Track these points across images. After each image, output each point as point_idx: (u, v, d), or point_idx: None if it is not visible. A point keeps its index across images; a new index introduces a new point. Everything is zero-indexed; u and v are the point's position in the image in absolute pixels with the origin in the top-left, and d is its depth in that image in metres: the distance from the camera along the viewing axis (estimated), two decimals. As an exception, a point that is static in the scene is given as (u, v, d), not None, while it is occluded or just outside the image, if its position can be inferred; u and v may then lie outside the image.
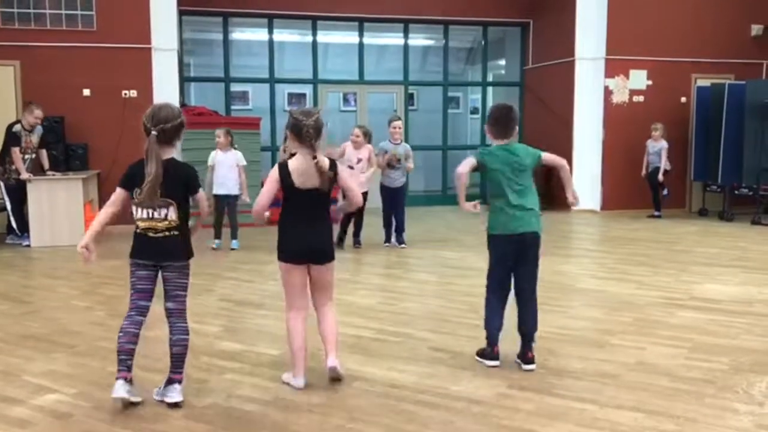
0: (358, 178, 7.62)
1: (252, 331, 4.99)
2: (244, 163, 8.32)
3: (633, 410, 3.49)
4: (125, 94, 9.77)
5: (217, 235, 8.26)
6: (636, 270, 6.97)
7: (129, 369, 3.52)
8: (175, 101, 10.07)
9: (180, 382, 3.61)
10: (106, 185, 9.71)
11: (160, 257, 3.59)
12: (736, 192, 10.88)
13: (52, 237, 8.38)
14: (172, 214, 3.59)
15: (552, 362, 4.21)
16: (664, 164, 10.68)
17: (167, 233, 3.58)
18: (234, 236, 8.30)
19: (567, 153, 11.60)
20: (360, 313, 5.41)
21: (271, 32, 12.27)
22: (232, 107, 12.41)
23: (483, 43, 13.51)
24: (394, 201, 8.32)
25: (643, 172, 10.91)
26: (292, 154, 3.81)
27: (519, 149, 4.25)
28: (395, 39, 13.14)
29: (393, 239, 8.43)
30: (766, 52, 11.94)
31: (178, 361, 3.61)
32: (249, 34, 13.25)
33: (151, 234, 3.57)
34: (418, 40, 13.94)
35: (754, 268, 7.03)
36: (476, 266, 7.12)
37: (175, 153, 3.64)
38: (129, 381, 3.49)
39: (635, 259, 7.58)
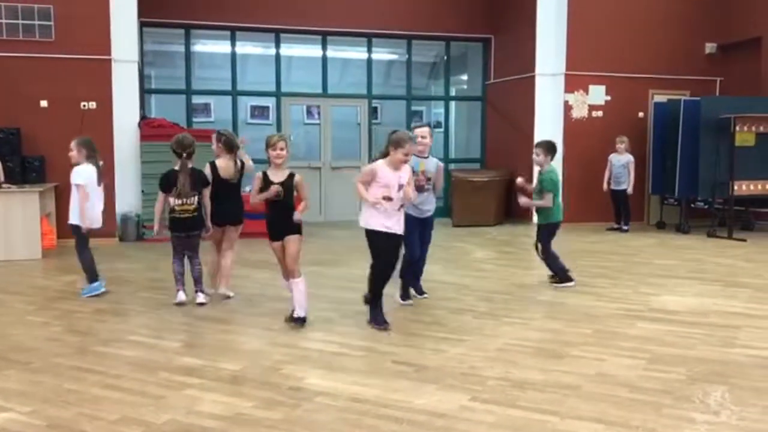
0: (396, 214, 5.27)
1: (212, 346, 4.92)
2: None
3: (593, 421, 3.53)
4: (84, 105, 9.61)
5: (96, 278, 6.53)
6: (595, 282, 7.06)
7: (183, 284, 6.09)
8: (134, 113, 10.00)
9: (201, 291, 6.09)
10: (63, 198, 9.50)
11: (189, 230, 6.03)
12: (693, 205, 11.13)
13: (7, 251, 8.18)
14: (195, 201, 5.99)
15: (513, 374, 4.24)
16: (633, 177, 10.86)
17: (192, 214, 5.98)
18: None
19: (527, 167, 11.74)
20: (323, 327, 5.38)
21: (233, 45, 12.21)
22: (194, 119, 12.29)
23: (446, 58, 13.63)
24: (423, 236, 6.19)
25: (605, 186, 11.06)
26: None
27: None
28: (359, 53, 13.19)
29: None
30: (719, 70, 12.28)
31: (197, 281, 6.11)
32: (211, 46, 13.16)
33: (183, 215, 5.96)
34: (382, 54, 14.00)
35: (710, 280, 7.18)
36: (440, 279, 7.16)
37: (191, 163, 6.03)
38: (184, 291, 6.07)
39: (594, 271, 7.68)
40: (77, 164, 6.31)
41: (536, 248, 6.97)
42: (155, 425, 3.48)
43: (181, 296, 6.03)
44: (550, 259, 6.87)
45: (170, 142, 6.13)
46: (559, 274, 6.82)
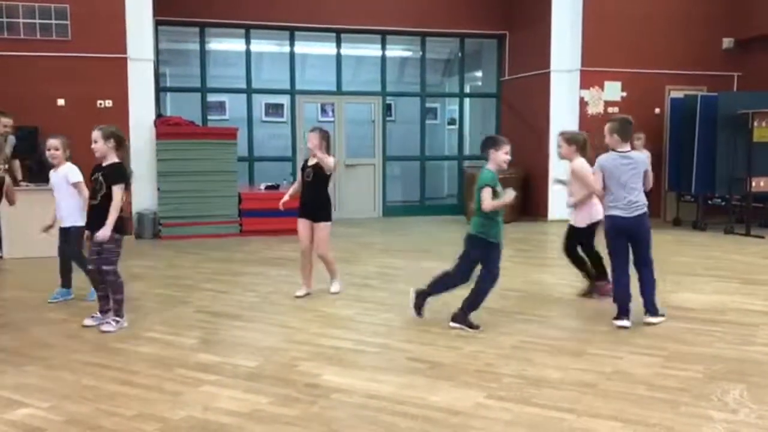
0: None
1: (229, 342, 4.95)
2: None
3: (610, 419, 3.51)
4: (100, 104, 9.68)
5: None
6: (612, 279, 7.01)
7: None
8: (150, 111, 10.08)
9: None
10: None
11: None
12: (709, 202, 11.03)
13: (25, 249, 8.25)
14: None
15: (530, 372, 4.23)
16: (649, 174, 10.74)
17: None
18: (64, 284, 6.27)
19: (543, 163, 11.70)
20: (338, 324, 5.40)
21: (248, 43, 12.24)
22: (209, 117, 12.35)
23: (460, 54, 13.60)
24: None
25: None
26: None
27: None
28: (373, 50, 13.19)
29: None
30: (736, 65, 12.17)
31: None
32: (226, 45, 13.21)
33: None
34: (396, 51, 14.00)
35: (727, 277, 7.12)
36: (454, 276, 7.13)
37: None
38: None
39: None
40: (59, 164, 5.99)
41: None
42: (172, 421, 3.50)
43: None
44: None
45: (112, 129, 5.31)
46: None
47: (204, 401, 3.77)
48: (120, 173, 5.20)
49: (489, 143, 5.17)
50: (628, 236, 5.27)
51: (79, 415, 3.57)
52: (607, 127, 5.46)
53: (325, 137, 6.12)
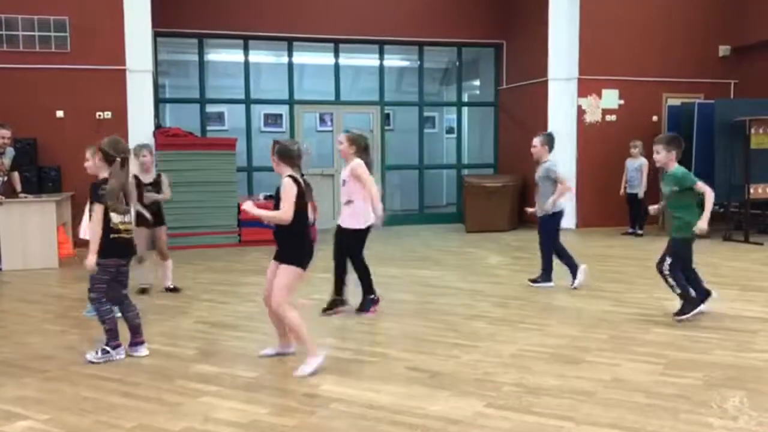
0: None
1: (228, 353, 4.95)
2: None
3: (609, 427, 3.51)
4: (99, 115, 9.71)
5: None
6: (611, 287, 7.03)
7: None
8: (149, 122, 10.09)
9: (142, 341, 4.89)
10: (81, 207, 9.60)
11: (130, 255, 4.96)
12: (708, 209, 11.02)
13: (25, 260, 8.27)
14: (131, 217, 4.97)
15: (529, 380, 4.23)
16: (645, 181, 10.77)
17: (131, 234, 4.92)
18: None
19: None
20: (337, 334, 5.40)
21: (246, 53, 12.29)
22: (208, 128, 12.37)
23: (458, 63, 13.65)
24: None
25: (621, 191, 11.01)
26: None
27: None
28: (371, 60, 13.23)
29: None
30: (733, 72, 12.22)
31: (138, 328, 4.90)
32: (225, 56, 13.25)
33: (129, 235, 4.84)
34: (394, 61, 14.05)
35: (726, 284, 7.12)
36: (453, 285, 7.16)
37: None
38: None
39: (610, 276, 7.65)
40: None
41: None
42: (172, 432, 3.50)
43: (123, 352, 4.79)
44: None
45: (103, 141, 4.76)
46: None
47: (204, 412, 3.77)
48: (92, 191, 4.67)
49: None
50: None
51: (79, 428, 3.57)
52: (539, 139, 7.09)
53: (284, 152, 4.46)
